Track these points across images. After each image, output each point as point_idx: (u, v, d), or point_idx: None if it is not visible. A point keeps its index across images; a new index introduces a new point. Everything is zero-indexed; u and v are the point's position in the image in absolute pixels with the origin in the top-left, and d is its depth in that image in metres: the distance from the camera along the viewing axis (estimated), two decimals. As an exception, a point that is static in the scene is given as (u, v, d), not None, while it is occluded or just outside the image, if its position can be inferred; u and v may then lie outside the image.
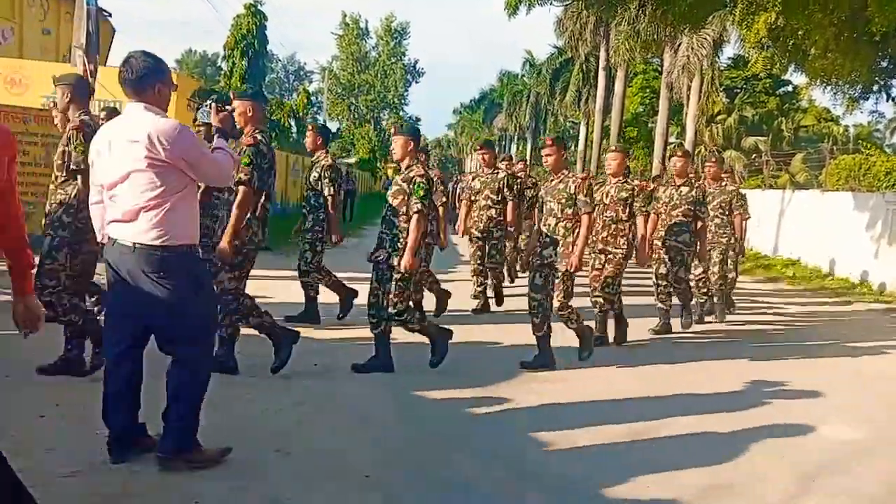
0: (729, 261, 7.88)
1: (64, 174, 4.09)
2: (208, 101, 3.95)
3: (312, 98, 44.90)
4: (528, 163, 10.68)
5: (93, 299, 5.06)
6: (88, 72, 9.73)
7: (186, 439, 3.07)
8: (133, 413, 3.10)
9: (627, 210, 5.95)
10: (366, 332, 5.87)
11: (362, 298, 6.27)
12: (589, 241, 5.34)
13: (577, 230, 5.07)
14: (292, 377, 4.46)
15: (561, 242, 5.09)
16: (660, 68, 25.96)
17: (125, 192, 2.90)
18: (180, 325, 3.01)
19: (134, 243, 2.90)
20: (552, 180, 5.26)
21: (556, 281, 5.16)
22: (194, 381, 3.09)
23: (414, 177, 4.61)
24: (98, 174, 3.03)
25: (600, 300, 6.03)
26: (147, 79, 2.95)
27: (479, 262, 7.47)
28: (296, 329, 4.70)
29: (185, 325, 3.02)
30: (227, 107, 4.02)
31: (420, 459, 3.43)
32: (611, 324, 6.14)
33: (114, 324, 3.09)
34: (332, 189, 6.06)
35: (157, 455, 3.03)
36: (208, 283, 3.31)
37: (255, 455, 3.24)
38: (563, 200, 5.10)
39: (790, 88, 33.28)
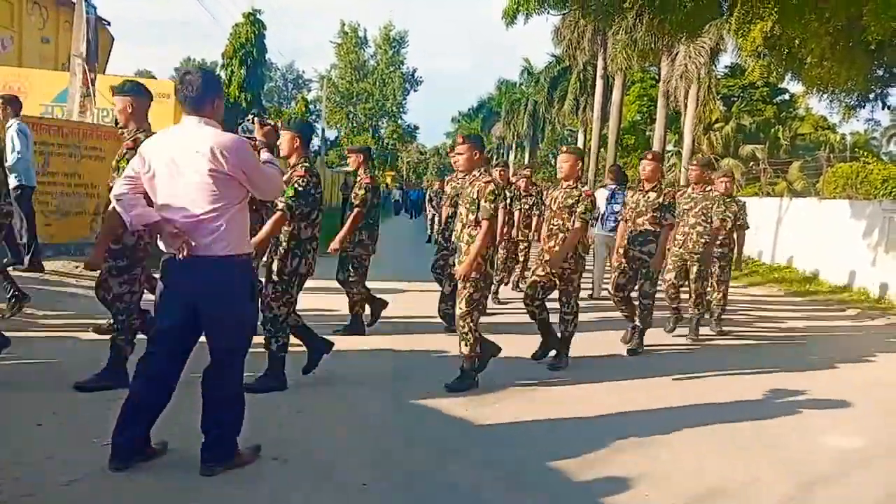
0: (713, 274, 7.24)
1: None
2: (250, 116, 4.00)
3: (311, 106, 45.08)
4: (533, 169, 10.38)
5: None
6: (89, 80, 9.77)
7: (228, 450, 3.14)
8: (150, 425, 3.14)
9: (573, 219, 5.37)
10: (364, 342, 5.89)
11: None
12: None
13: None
14: (289, 385, 4.46)
15: (464, 250, 4.66)
16: (657, 77, 26.06)
17: (186, 204, 2.96)
18: (230, 334, 3.09)
19: (195, 255, 2.96)
20: (466, 183, 4.83)
21: (460, 288, 4.70)
22: (233, 391, 3.17)
23: (293, 177, 4.35)
24: (150, 186, 3.05)
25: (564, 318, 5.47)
26: (207, 94, 3.04)
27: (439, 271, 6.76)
28: None
29: (234, 334, 3.10)
30: (269, 121, 4.07)
31: (418, 467, 3.42)
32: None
33: (166, 336, 3.11)
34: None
35: (202, 465, 3.08)
36: (256, 294, 3.37)
37: (252, 464, 3.23)
38: (468, 205, 4.68)
39: (787, 97, 33.44)
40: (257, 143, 4.04)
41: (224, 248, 2.99)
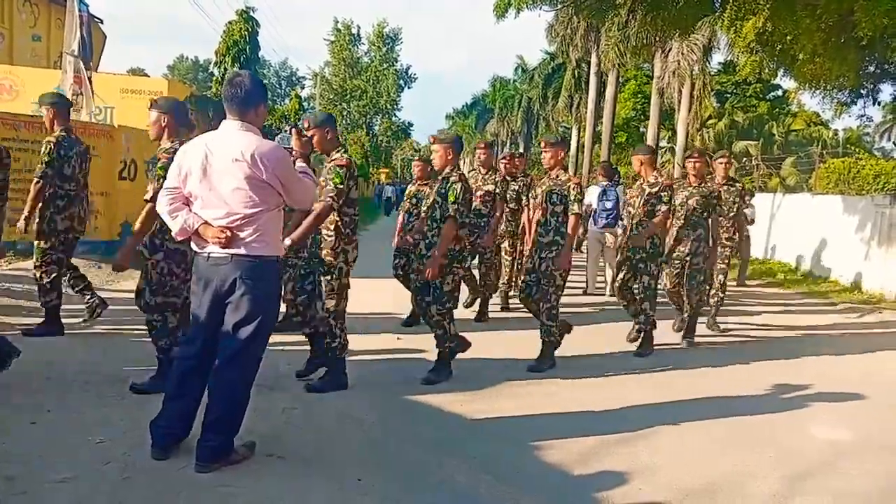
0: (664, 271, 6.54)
1: None
2: (287, 127, 4.07)
3: (304, 103, 44.90)
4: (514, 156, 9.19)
5: None
6: (84, 78, 9.72)
7: (224, 448, 3.16)
8: (189, 419, 3.24)
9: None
10: (358, 341, 5.90)
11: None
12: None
13: (334, 226, 4.25)
14: (284, 382, 4.46)
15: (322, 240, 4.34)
16: (651, 73, 26.11)
17: (224, 207, 3.03)
18: (250, 334, 3.12)
19: (231, 254, 3.05)
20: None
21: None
22: (241, 392, 3.20)
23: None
24: (188, 190, 3.10)
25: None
26: (253, 99, 3.10)
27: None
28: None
29: (253, 335, 3.13)
30: (306, 133, 4.11)
31: (413, 464, 3.43)
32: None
33: (199, 334, 3.20)
34: (46, 170, 5.09)
35: (197, 462, 3.10)
36: (280, 298, 3.44)
37: (247, 460, 3.24)
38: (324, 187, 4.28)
39: (780, 93, 33.56)
40: (294, 152, 4.11)
41: (257, 249, 3.08)
